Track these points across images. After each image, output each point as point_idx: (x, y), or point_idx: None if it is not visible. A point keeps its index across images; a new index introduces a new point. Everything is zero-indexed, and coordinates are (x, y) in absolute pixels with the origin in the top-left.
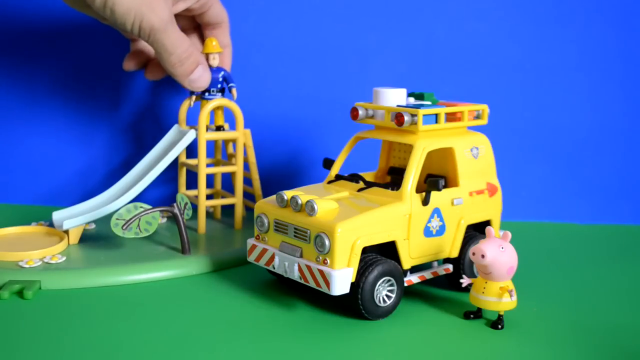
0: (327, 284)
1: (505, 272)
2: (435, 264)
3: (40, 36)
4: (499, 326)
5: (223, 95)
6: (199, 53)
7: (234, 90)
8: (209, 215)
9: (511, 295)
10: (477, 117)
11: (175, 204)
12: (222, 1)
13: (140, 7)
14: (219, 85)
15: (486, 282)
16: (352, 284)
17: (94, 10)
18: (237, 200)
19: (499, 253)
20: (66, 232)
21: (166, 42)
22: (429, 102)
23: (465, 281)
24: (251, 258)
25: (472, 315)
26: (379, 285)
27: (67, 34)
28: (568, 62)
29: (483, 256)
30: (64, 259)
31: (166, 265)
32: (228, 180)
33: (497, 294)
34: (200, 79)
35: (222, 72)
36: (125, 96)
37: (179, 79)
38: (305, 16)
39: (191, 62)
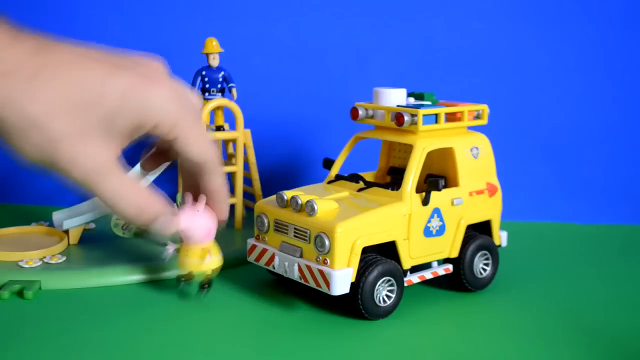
0: (327, 284)
1: (204, 235)
2: (435, 264)
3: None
4: (206, 286)
5: (223, 95)
6: (157, 203)
7: (234, 91)
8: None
9: (210, 256)
10: (477, 117)
11: (175, 204)
12: (221, 2)
13: (53, 162)
14: (219, 86)
15: (189, 246)
16: (352, 284)
17: None
18: (237, 200)
19: (193, 218)
20: (66, 232)
21: (102, 194)
22: (429, 102)
23: (170, 248)
24: (251, 258)
25: (182, 279)
26: (379, 285)
27: (68, 33)
28: (568, 62)
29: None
30: (64, 259)
31: (166, 265)
32: (228, 180)
33: (199, 256)
34: (161, 230)
35: (222, 72)
36: None
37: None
38: (305, 16)
39: (145, 218)
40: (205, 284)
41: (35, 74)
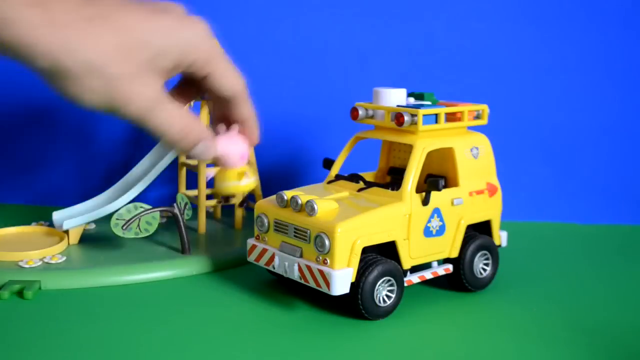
0: (327, 284)
1: (239, 158)
2: (435, 264)
3: None
4: (245, 204)
5: None
6: (199, 128)
7: None
8: (209, 215)
9: (247, 177)
10: (477, 117)
11: (175, 204)
12: (220, 2)
13: (110, 102)
14: None
15: (226, 170)
16: (352, 284)
17: None
18: (237, 200)
19: (229, 144)
20: (66, 232)
21: (152, 126)
22: (429, 102)
23: (209, 173)
24: (251, 258)
25: (221, 201)
26: (379, 285)
27: None
28: (568, 62)
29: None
30: (64, 259)
31: (166, 265)
32: None
33: (237, 178)
34: (201, 155)
35: None
36: None
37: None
38: (305, 16)
39: (189, 141)
40: (244, 202)
41: (89, 23)
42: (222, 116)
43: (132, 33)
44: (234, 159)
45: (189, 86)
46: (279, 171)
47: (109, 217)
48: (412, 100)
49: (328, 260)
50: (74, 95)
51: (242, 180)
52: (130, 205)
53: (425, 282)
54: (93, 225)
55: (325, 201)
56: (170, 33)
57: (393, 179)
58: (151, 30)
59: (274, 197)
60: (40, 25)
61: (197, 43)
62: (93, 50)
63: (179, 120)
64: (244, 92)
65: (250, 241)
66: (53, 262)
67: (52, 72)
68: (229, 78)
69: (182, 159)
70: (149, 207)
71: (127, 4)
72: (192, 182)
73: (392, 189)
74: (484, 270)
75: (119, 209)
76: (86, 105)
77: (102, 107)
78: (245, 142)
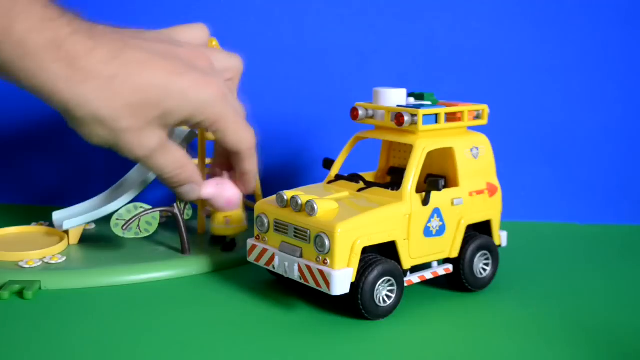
0: (327, 284)
1: (224, 205)
2: (435, 264)
3: None
4: (228, 246)
5: None
6: (191, 171)
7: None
8: (209, 215)
9: (226, 223)
10: (477, 117)
11: (175, 204)
12: (221, 2)
13: (115, 147)
14: None
15: (215, 212)
16: (352, 284)
17: None
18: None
19: (215, 190)
20: (66, 232)
21: (151, 165)
22: (429, 102)
23: (204, 212)
24: (251, 258)
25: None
26: (379, 285)
27: None
28: (568, 62)
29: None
30: (64, 259)
31: (166, 265)
32: None
33: (220, 221)
34: (185, 195)
35: None
36: None
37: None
38: (305, 16)
39: (177, 181)
40: (227, 244)
41: (109, 81)
42: (224, 162)
43: (147, 94)
44: (219, 204)
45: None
46: (279, 171)
47: (109, 217)
48: (412, 100)
49: (328, 260)
50: (83, 135)
51: (224, 223)
52: (130, 205)
53: (425, 282)
54: (93, 225)
55: (325, 201)
56: (183, 96)
57: (393, 179)
58: (166, 92)
59: (274, 197)
60: (61, 77)
61: (208, 106)
62: (105, 107)
63: (173, 163)
64: (250, 149)
65: (250, 241)
66: (53, 262)
67: (63, 113)
68: (235, 136)
69: None
70: (149, 207)
71: (153, 55)
72: None
73: (392, 189)
74: (484, 270)
75: (119, 209)
76: (92, 143)
77: (108, 147)
78: (234, 189)
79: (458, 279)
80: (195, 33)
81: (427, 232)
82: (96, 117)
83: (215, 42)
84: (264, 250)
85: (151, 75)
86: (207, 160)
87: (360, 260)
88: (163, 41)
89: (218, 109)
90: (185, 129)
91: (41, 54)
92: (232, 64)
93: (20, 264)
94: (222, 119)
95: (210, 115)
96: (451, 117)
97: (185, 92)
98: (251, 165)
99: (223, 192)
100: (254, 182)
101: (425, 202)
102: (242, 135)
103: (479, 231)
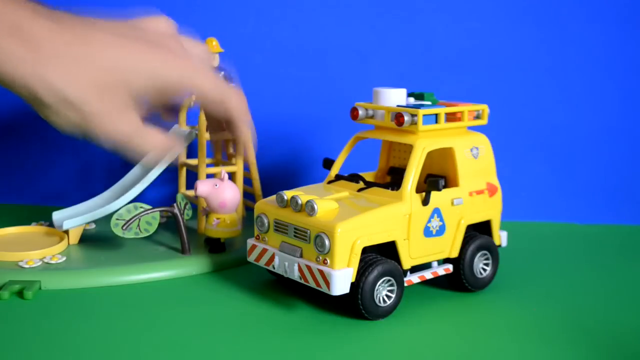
0: (327, 284)
1: (217, 206)
2: (435, 264)
3: None
4: (211, 247)
5: None
6: (167, 142)
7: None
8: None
9: (213, 224)
10: (477, 117)
11: (175, 204)
12: (221, 2)
13: (88, 133)
14: None
15: (210, 213)
16: (352, 284)
17: None
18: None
19: (212, 190)
20: (66, 232)
21: (128, 153)
22: (429, 102)
23: (203, 211)
24: (251, 258)
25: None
26: (379, 285)
27: None
28: (568, 62)
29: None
30: (64, 259)
31: (166, 265)
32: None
33: (209, 222)
34: (149, 162)
35: (222, 73)
36: None
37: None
38: (305, 16)
39: (164, 154)
40: (215, 246)
41: (74, 61)
42: (216, 123)
43: (115, 74)
44: (213, 204)
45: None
46: (279, 171)
47: (109, 217)
48: (412, 100)
49: (328, 260)
50: (52, 122)
51: (213, 224)
52: (130, 205)
53: (425, 282)
54: (93, 225)
55: (325, 201)
56: (155, 74)
57: (393, 179)
58: (136, 72)
59: (274, 197)
60: (22, 59)
61: (184, 80)
62: (73, 89)
63: (152, 145)
64: (240, 112)
65: (250, 241)
66: (53, 262)
67: (30, 101)
68: (221, 103)
69: (182, 158)
70: (149, 207)
71: (121, 40)
72: (192, 182)
73: (392, 189)
74: (484, 270)
75: (119, 209)
76: (64, 131)
77: (80, 135)
78: (232, 193)
79: (458, 279)
80: (161, 24)
81: (427, 232)
82: (64, 99)
83: (215, 42)
84: (264, 250)
85: (119, 56)
86: (208, 160)
87: (360, 260)
88: (130, 27)
89: (197, 81)
90: (185, 129)
91: (4, 37)
92: (199, 50)
93: (20, 264)
94: (202, 90)
95: (188, 87)
96: (451, 117)
97: (157, 70)
98: (245, 128)
99: (219, 193)
100: (253, 149)
101: (425, 202)
102: (228, 101)
103: (479, 231)
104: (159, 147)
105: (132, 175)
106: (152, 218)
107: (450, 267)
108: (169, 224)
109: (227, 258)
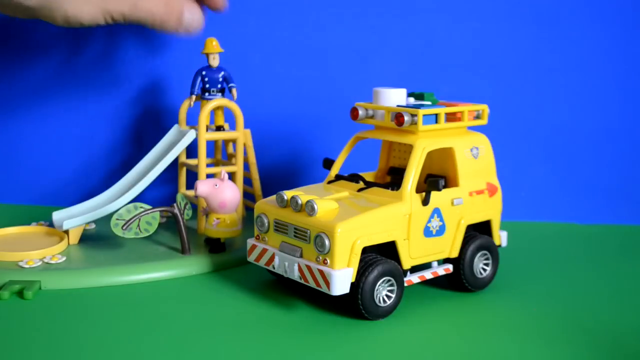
0: (327, 284)
1: (217, 206)
2: (435, 264)
3: (41, 35)
4: (210, 246)
5: (223, 95)
6: (179, 1)
7: (234, 90)
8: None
9: (215, 224)
10: (477, 117)
11: (175, 204)
12: None
13: (104, 5)
14: (219, 86)
15: (210, 213)
16: (352, 284)
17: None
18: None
19: (212, 190)
20: (66, 232)
21: (143, 14)
22: (429, 102)
23: (203, 210)
24: (251, 258)
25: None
26: (379, 285)
27: (68, 34)
28: (568, 62)
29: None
30: (64, 259)
31: (166, 265)
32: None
33: (209, 222)
34: (192, 22)
35: (223, 72)
36: (125, 96)
37: (176, 32)
38: (305, 16)
39: (176, 14)
40: (215, 246)
41: None
42: None
43: None
44: (213, 204)
45: None
46: (279, 171)
47: (109, 217)
48: (412, 100)
49: (328, 260)
50: (74, 15)
51: (212, 224)
52: (130, 205)
53: (425, 282)
54: (93, 225)
55: (325, 201)
56: None
57: (393, 179)
58: None
59: (274, 197)
60: None
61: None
62: None
63: (158, 3)
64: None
65: (250, 241)
66: (53, 262)
67: (46, 1)
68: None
69: (182, 158)
70: (149, 207)
71: None
72: (192, 182)
73: (392, 189)
74: (484, 270)
75: (119, 209)
76: (86, 20)
77: (100, 19)
78: (233, 193)
79: (458, 279)
80: None
81: (427, 232)
82: None
83: (215, 42)
84: (264, 250)
85: None
86: (208, 160)
87: (360, 260)
88: None
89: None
90: (185, 129)
91: None
92: None
93: (20, 264)
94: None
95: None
96: (451, 117)
97: None
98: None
99: (219, 193)
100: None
101: (425, 202)
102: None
103: (479, 231)
104: (165, 2)
105: (132, 175)
106: (152, 218)
107: (450, 267)
108: (169, 224)
109: (227, 258)
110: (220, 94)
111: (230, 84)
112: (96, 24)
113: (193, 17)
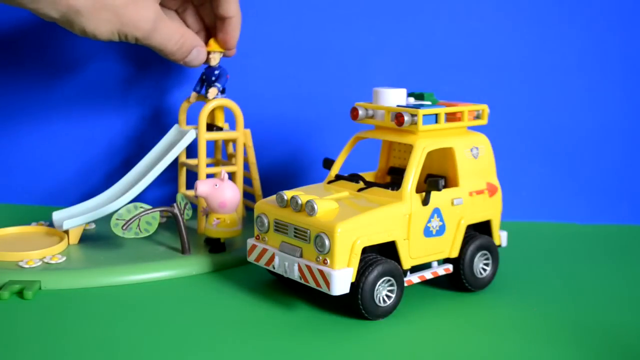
0: (327, 284)
1: (217, 206)
2: (435, 264)
3: (41, 36)
4: (211, 246)
5: (223, 95)
6: (192, 36)
7: (212, 89)
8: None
9: (215, 224)
10: (477, 117)
11: (175, 204)
12: None
13: (121, 28)
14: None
15: (211, 213)
16: (352, 284)
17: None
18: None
19: (212, 190)
20: (66, 232)
21: (155, 43)
22: (429, 102)
23: (203, 210)
24: (251, 258)
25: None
26: (379, 285)
27: (68, 34)
28: (568, 62)
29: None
30: (64, 259)
31: (166, 265)
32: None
33: (209, 221)
34: (194, 60)
35: (217, 71)
36: (125, 96)
37: (177, 62)
38: (305, 16)
39: (184, 50)
40: (215, 246)
41: None
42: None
43: None
44: (213, 204)
45: None
46: (279, 171)
47: (109, 217)
48: (412, 100)
49: (328, 260)
50: (92, 31)
51: (212, 224)
52: (130, 205)
53: (425, 282)
54: (93, 225)
55: (325, 201)
56: None
57: (393, 179)
58: None
59: (274, 197)
60: None
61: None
62: None
63: (175, 32)
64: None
65: (250, 241)
66: (53, 262)
67: (67, 16)
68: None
69: (182, 158)
70: (149, 207)
71: None
72: (192, 182)
73: (392, 189)
74: (484, 270)
75: (119, 209)
76: (102, 38)
77: (115, 37)
78: (232, 193)
79: (458, 279)
80: None
81: (427, 232)
82: (94, 0)
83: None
84: (264, 250)
85: None
86: (208, 160)
87: (360, 260)
88: None
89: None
90: (185, 129)
91: None
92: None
93: (20, 264)
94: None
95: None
96: (451, 117)
97: None
98: (233, 5)
99: (219, 193)
100: (238, 31)
101: (425, 202)
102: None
103: (479, 231)
104: (181, 34)
105: (132, 175)
106: (152, 218)
107: (450, 267)
108: (169, 224)
109: (227, 258)
110: (220, 93)
111: (215, 83)
112: (111, 40)
113: (199, 56)
